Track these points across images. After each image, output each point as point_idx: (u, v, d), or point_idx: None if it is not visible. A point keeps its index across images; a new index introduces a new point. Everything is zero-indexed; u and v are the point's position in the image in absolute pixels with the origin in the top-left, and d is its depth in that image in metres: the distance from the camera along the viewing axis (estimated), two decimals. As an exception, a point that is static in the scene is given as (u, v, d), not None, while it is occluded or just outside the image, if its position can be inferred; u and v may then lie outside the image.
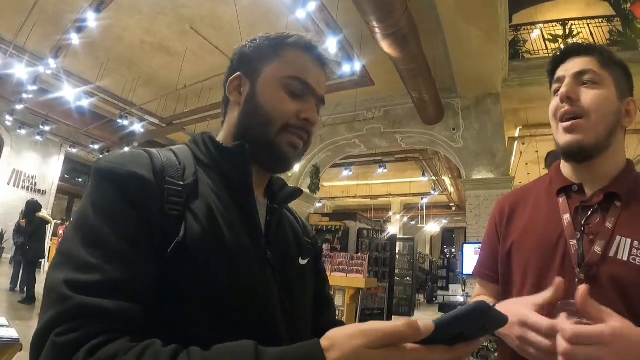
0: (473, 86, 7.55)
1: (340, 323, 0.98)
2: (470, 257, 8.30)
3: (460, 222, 19.22)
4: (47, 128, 10.68)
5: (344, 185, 15.57)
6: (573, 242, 0.93)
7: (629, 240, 0.88)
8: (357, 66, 6.05)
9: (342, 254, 8.36)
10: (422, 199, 15.99)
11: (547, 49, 8.16)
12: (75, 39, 6.23)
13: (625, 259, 0.87)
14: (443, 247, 22.35)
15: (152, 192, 0.66)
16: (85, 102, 9.19)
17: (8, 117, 10.42)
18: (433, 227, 19.44)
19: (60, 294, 0.55)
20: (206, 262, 0.66)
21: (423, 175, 13.09)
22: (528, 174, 11.68)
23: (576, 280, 0.88)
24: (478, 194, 8.02)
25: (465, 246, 8.43)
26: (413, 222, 19.20)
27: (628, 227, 0.90)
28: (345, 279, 7.43)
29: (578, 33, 8.59)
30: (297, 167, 9.68)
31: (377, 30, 5.25)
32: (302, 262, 0.88)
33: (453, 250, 21.65)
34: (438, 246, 22.21)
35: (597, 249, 0.89)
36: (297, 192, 0.93)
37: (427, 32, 5.89)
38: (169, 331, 0.60)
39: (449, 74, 7.21)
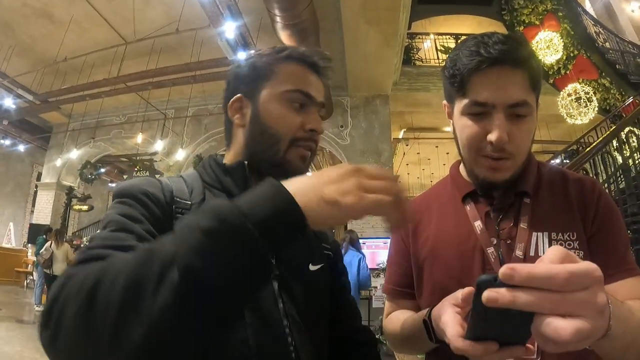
0: (364, 86, 7.82)
1: (365, 331, 0.99)
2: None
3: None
4: None
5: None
6: (490, 249, 0.86)
7: (546, 234, 0.85)
8: (249, 53, 5.84)
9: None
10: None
11: (438, 58, 8.75)
12: None
13: None
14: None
15: (163, 207, 0.73)
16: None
17: None
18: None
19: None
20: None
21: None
22: (408, 174, 12.58)
23: None
24: (362, 192, 8.32)
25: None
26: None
27: (542, 222, 0.86)
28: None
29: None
30: (181, 156, 9.16)
31: (278, 19, 5.15)
32: (313, 268, 0.86)
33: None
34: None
35: (519, 253, 0.84)
36: None
37: (326, 30, 5.92)
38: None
39: (342, 72, 7.35)
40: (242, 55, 5.85)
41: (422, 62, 8.68)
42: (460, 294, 0.68)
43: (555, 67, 7.37)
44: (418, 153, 9.95)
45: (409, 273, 1.00)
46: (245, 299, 0.52)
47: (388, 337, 1.03)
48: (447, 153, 11.50)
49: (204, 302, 0.45)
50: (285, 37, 5.46)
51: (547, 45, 6.87)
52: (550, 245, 0.83)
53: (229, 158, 0.87)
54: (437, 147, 10.51)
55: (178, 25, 5.74)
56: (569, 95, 7.01)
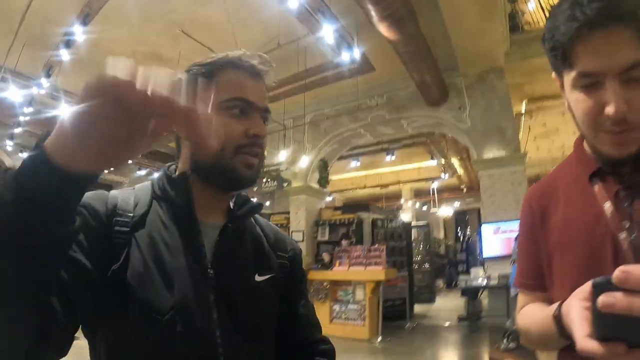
0: (475, 63, 7.30)
1: (324, 342, 1.00)
2: (489, 238, 8.14)
3: (472, 204, 19.00)
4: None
5: (352, 177, 15.39)
6: (623, 234, 0.76)
7: None
8: (357, 53, 5.84)
9: (358, 247, 8.22)
10: (432, 183, 15.80)
11: (546, 18, 7.82)
12: (64, 55, 6.07)
13: None
14: (457, 231, 22.14)
15: (100, 219, 0.75)
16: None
17: (8, 142, 10.35)
18: (445, 211, 19.21)
19: None
20: (141, 285, 0.73)
21: (432, 159, 12.86)
22: (538, 148, 11.45)
23: None
24: (491, 174, 7.82)
25: (483, 227, 8.25)
26: (425, 208, 19.03)
27: None
28: (364, 272, 7.29)
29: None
30: (305, 163, 9.54)
31: (373, 13, 5.07)
32: (259, 278, 0.89)
33: (468, 233, 21.45)
34: (452, 230, 21.99)
35: None
36: (256, 208, 0.95)
37: (424, 12, 5.67)
38: (106, 350, 0.75)
39: (450, 53, 6.97)
40: (346, 57, 5.91)
41: (531, 25, 7.80)
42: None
43: None
44: (544, 124, 8.94)
45: (540, 263, 0.92)
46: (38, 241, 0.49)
47: (520, 332, 0.97)
48: (577, 120, 10.15)
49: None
50: (384, 30, 5.37)
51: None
52: None
53: (178, 169, 0.90)
54: (564, 114, 9.39)
55: (279, 39, 6.00)
56: None
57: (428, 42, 6.11)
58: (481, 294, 8.46)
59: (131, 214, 0.79)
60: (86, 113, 0.42)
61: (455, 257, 17.00)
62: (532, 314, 0.90)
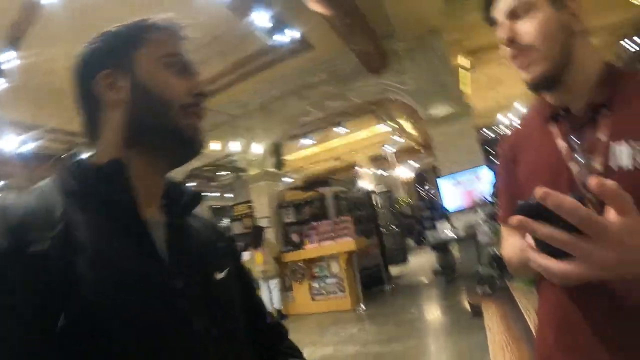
0: (412, 26, 7.42)
1: (278, 325, 0.97)
2: (449, 192, 8.44)
3: (429, 161, 19.57)
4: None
5: (308, 154, 15.43)
6: (573, 164, 0.90)
7: (627, 145, 0.83)
8: (294, 34, 5.81)
9: (325, 222, 8.34)
10: (386, 147, 16.10)
11: None
12: (1, 84, 5.70)
13: (628, 165, 0.82)
14: (417, 188, 22.76)
15: (8, 267, 0.55)
16: (31, 146, 8.50)
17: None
18: (405, 173, 19.66)
19: None
20: (101, 321, 0.57)
21: (383, 124, 13.08)
22: (481, 99, 11.88)
23: (586, 201, 0.80)
24: (441, 130, 8.08)
25: (442, 182, 8.55)
26: (383, 172, 19.40)
27: (621, 131, 0.85)
28: (335, 245, 7.43)
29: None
30: (258, 149, 9.49)
31: (301, -11, 5.04)
32: (220, 275, 0.78)
33: (427, 188, 22.11)
34: (413, 189, 22.57)
35: (597, 165, 0.86)
36: (196, 198, 0.84)
37: (355, -19, 5.69)
38: None
39: (386, 20, 7.05)
40: (284, 38, 5.85)
41: None
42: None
43: None
44: (486, 76, 9.31)
45: (517, 198, 1.01)
46: None
47: (506, 262, 1.12)
48: (520, 68, 10.60)
49: None
50: (317, 6, 5.34)
51: None
52: (633, 154, 0.82)
53: (102, 153, 0.74)
54: (505, 64, 9.78)
55: (215, 31, 5.86)
56: None
57: (363, 12, 6.14)
58: (450, 246, 8.82)
59: (49, 233, 0.58)
60: None
61: (419, 215, 17.51)
62: (512, 246, 1.04)
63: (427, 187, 22.25)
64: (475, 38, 8.45)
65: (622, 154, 0.84)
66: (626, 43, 10.25)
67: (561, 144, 0.94)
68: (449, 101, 7.95)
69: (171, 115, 0.73)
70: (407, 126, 14.08)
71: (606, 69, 0.94)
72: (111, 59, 0.75)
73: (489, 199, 6.81)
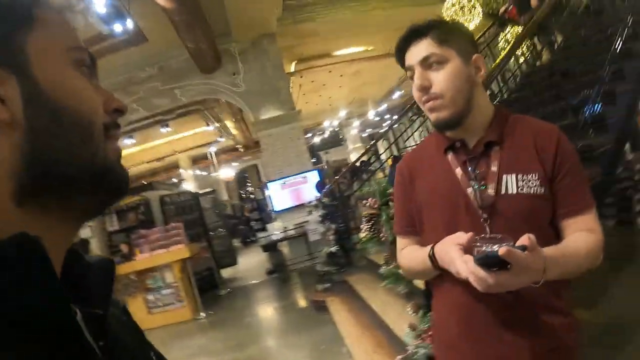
0: (249, 29, 7.51)
1: None
2: (278, 193, 8.76)
3: (250, 162, 19.86)
4: None
5: (128, 154, 14.10)
6: (470, 190, 1.08)
7: (513, 176, 1.06)
8: (129, 23, 5.27)
9: (155, 229, 7.78)
10: (208, 148, 15.79)
11: None
12: None
13: (514, 192, 1.05)
14: (239, 190, 22.89)
15: None
16: None
17: None
18: (227, 173, 19.54)
19: None
20: None
21: (207, 125, 12.78)
22: (307, 103, 12.64)
23: (481, 220, 1.07)
24: (270, 133, 8.34)
25: (270, 184, 8.83)
26: (205, 173, 18.98)
27: (510, 165, 1.07)
28: (169, 254, 6.98)
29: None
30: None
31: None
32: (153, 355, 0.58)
33: (250, 190, 22.43)
34: (235, 189, 22.61)
35: (490, 191, 1.06)
36: (110, 271, 0.52)
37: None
38: None
39: (224, 20, 6.96)
40: (118, 28, 5.24)
41: None
42: (461, 237, 0.95)
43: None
44: (312, 81, 10.03)
45: (412, 215, 1.22)
46: None
47: (402, 268, 1.31)
48: (341, 75, 11.71)
49: None
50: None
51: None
52: (517, 184, 1.06)
53: None
54: (330, 72, 10.63)
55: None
56: (453, 5, 7.33)
57: (203, 10, 5.93)
58: (280, 245, 9.14)
59: None
60: None
61: (242, 215, 17.65)
62: (411, 254, 1.21)
63: (250, 188, 22.56)
64: (306, 46, 8.96)
65: (510, 183, 1.06)
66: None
67: (458, 171, 1.11)
68: (279, 104, 8.26)
69: (95, 142, 0.45)
70: (231, 127, 14.07)
71: (497, 112, 1.14)
72: None
73: (317, 200, 7.26)
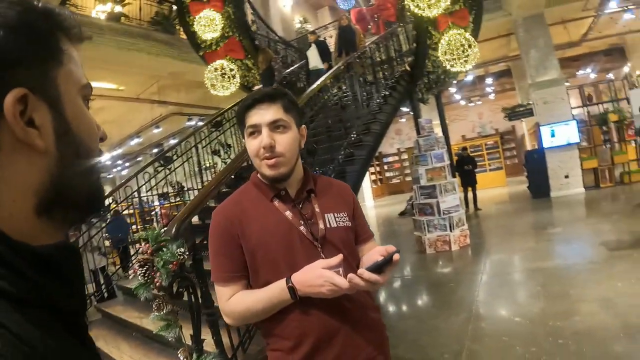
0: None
1: None
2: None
3: None
4: None
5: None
6: (302, 227, 1.32)
7: (332, 214, 1.37)
8: None
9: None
10: None
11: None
12: None
13: (335, 225, 1.36)
14: None
15: None
16: None
17: None
18: None
19: None
20: None
21: None
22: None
23: (318, 249, 1.31)
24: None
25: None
26: None
27: (327, 207, 1.38)
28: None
29: (127, 4, 9.24)
30: None
31: None
32: None
33: None
34: None
35: (321, 227, 1.33)
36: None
37: None
38: None
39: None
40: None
41: (78, 8, 7.62)
42: (330, 261, 1.18)
43: (208, 43, 8.00)
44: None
45: (241, 259, 1.31)
46: None
47: (233, 314, 1.32)
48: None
49: None
50: None
51: (209, 24, 7.55)
52: (335, 220, 1.37)
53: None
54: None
55: None
56: (216, 70, 7.87)
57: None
58: None
59: None
60: None
61: None
62: (249, 297, 1.29)
63: None
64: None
65: (331, 219, 1.35)
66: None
67: (288, 214, 1.32)
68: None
69: (95, 169, 0.53)
70: None
71: (305, 170, 1.43)
72: (23, 70, 0.44)
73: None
